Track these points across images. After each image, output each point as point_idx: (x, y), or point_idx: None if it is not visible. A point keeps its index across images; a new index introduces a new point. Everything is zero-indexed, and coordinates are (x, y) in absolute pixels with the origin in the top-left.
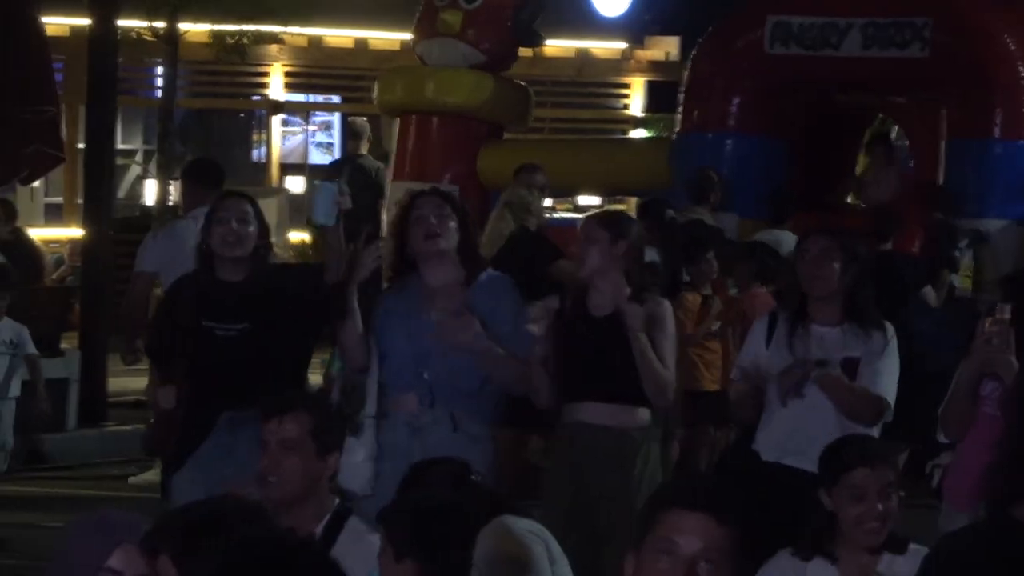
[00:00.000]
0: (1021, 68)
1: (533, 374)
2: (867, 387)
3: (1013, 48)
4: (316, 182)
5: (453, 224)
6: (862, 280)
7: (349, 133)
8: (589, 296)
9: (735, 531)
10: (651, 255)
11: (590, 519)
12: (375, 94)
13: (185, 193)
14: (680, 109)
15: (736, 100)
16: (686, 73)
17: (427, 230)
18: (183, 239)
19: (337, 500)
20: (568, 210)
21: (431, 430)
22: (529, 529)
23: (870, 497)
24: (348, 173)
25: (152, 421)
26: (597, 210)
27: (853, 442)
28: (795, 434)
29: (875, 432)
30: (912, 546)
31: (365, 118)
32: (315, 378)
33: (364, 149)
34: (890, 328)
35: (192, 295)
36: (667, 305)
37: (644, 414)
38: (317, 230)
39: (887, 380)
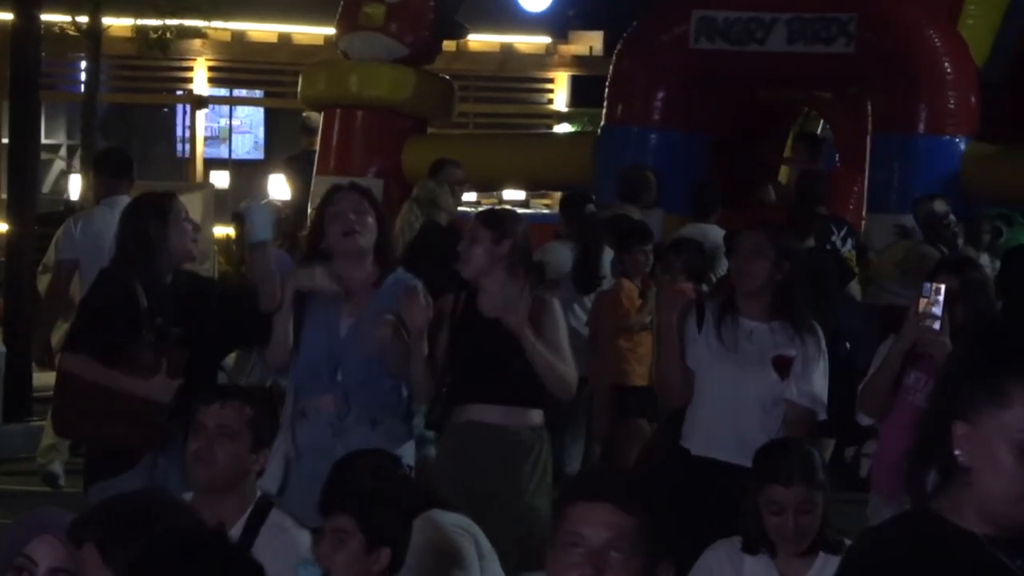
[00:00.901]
0: (945, 63)
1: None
2: (802, 391)
3: (938, 43)
4: (243, 204)
5: (371, 221)
6: (793, 277)
7: (302, 128)
8: (478, 297)
9: (643, 519)
10: (564, 250)
11: (478, 519)
12: (299, 88)
13: (96, 184)
14: (605, 103)
15: (661, 95)
16: (611, 67)
17: (345, 227)
18: (102, 228)
19: (260, 493)
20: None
21: (353, 429)
22: (458, 524)
23: (786, 513)
24: (302, 167)
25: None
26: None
27: (775, 454)
28: (721, 429)
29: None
30: (847, 544)
31: (320, 113)
32: None
33: (317, 144)
34: (819, 329)
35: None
36: (554, 301)
37: (536, 415)
38: (249, 248)
39: (821, 385)
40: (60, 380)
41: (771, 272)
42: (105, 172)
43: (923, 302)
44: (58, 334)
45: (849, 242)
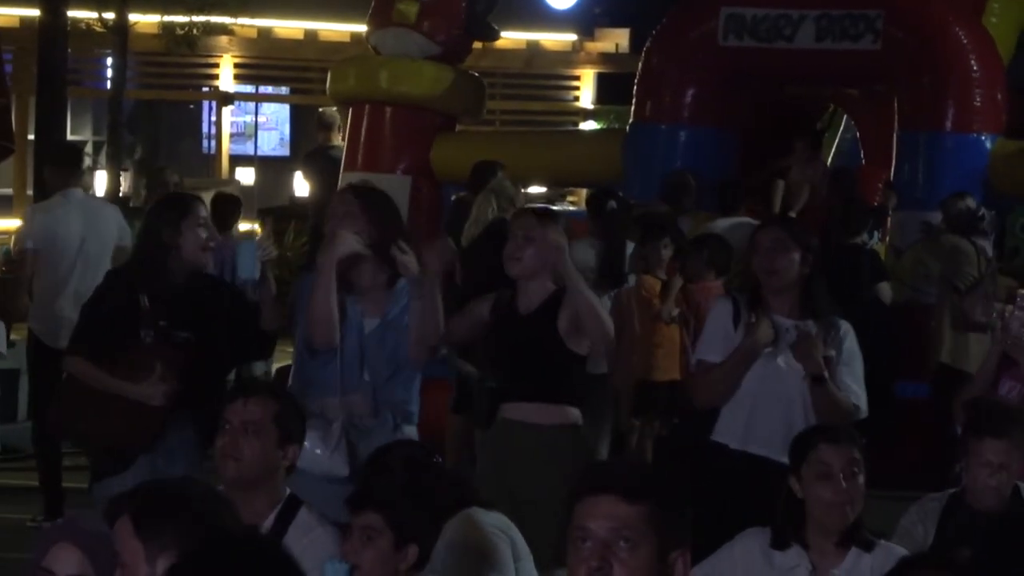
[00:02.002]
0: (972, 60)
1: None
2: (843, 392)
3: (965, 40)
4: (234, 241)
5: (362, 224)
6: (815, 273)
7: (319, 124)
8: (517, 294)
9: (649, 507)
10: (585, 248)
11: (518, 517)
12: (328, 84)
13: (49, 176)
14: (634, 100)
15: (690, 92)
16: (640, 64)
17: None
18: (61, 217)
19: (288, 491)
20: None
21: (377, 432)
22: (496, 525)
23: (835, 474)
24: (319, 164)
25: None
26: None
27: (818, 426)
28: (762, 424)
29: None
30: (880, 543)
31: (335, 108)
32: None
33: (335, 140)
34: (846, 324)
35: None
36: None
37: (574, 413)
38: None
39: (860, 384)
40: (64, 382)
41: (799, 267)
42: (58, 164)
43: (1012, 310)
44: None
45: (876, 235)
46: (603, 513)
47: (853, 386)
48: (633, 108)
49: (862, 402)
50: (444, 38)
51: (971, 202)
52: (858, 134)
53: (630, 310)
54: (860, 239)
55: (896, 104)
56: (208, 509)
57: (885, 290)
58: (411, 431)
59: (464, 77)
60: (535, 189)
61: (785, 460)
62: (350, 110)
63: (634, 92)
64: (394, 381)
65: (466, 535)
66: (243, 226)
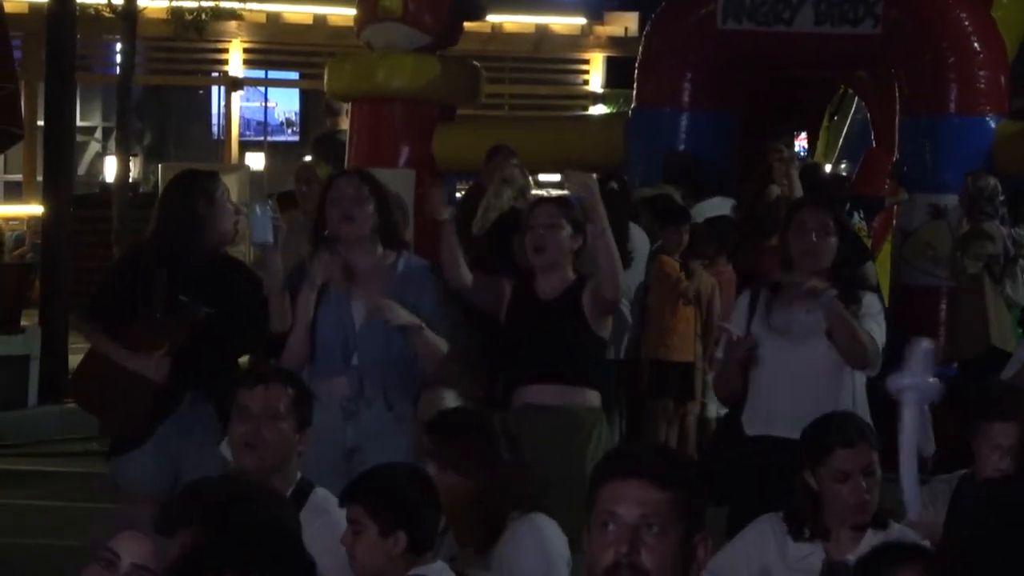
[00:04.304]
0: (974, 42)
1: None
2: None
3: (966, 22)
4: (245, 205)
5: (370, 208)
6: (849, 253)
7: (326, 109)
8: (536, 279)
9: (678, 492)
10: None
11: (540, 498)
12: (325, 81)
13: None
14: (635, 85)
15: (689, 76)
16: (640, 49)
17: (342, 212)
18: None
19: (300, 475)
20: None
21: (365, 413)
22: (561, 553)
23: (854, 477)
24: (328, 149)
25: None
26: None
27: (833, 422)
28: (779, 406)
29: (859, 391)
30: (893, 524)
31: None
32: None
33: (343, 124)
34: (877, 298)
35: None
36: None
37: (594, 396)
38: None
39: (879, 333)
40: (87, 355)
41: (837, 250)
42: None
43: None
44: None
45: (857, 214)
46: (632, 498)
47: (876, 328)
48: (635, 92)
49: (879, 342)
50: (432, 26)
51: (991, 180)
52: (868, 116)
53: (653, 289)
54: None
55: (897, 88)
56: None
57: (871, 270)
58: (409, 410)
59: (458, 64)
60: (544, 176)
61: None
62: (351, 105)
63: (635, 76)
64: (388, 364)
65: (531, 552)
66: None
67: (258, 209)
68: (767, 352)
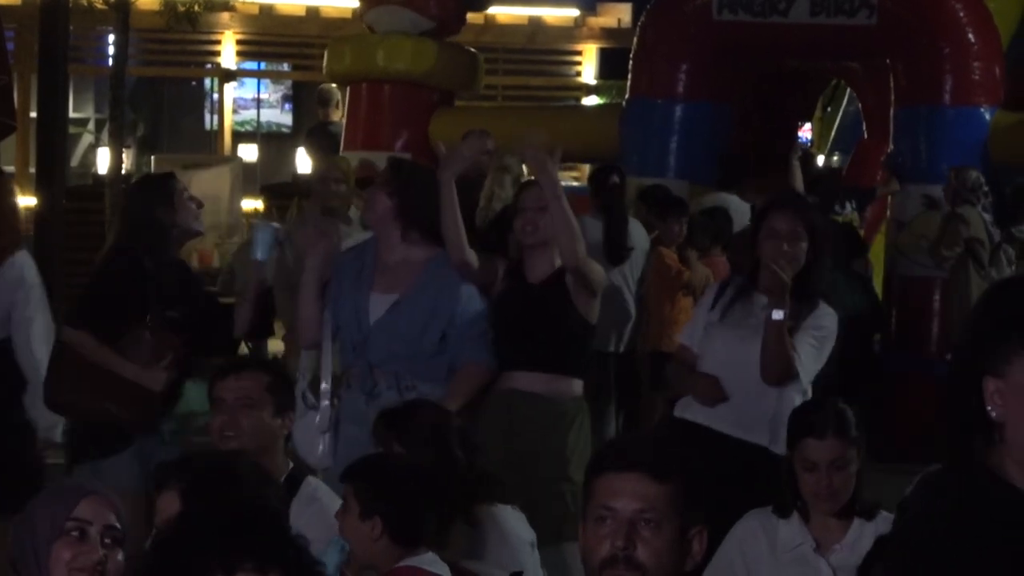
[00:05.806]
0: (969, 33)
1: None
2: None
3: (961, 13)
4: (254, 221)
5: (383, 195)
6: (819, 255)
7: (318, 100)
8: (524, 264)
9: (674, 486)
10: (593, 222)
11: (521, 486)
12: (324, 63)
13: None
14: (630, 76)
15: (684, 67)
16: (635, 39)
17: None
18: None
19: (291, 464)
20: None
21: (385, 396)
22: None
23: (819, 468)
24: (319, 140)
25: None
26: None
27: (809, 409)
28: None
29: (797, 400)
30: (883, 513)
31: (334, 84)
32: None
33: (335, 116)
34: (832, 314)
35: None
36: None
37: (577, 385)
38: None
39: (813, 360)
40: (59, 352)
41: (805, 255)
42: None
43: None
44: None
45: (850, 204)
46: (628, 491)
47: (804, 351)
48: (629, 83)
49: (804, 371)
50: (436, 12)
51: (975, 173)
52: (860, 107)
53: (652, 279)
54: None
55: (892, 79)
56: (255, 486)
57: (859, 266)
58: (433, 393)
59: (459, 52)
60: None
61: (744, 437)
62: (348, 88)
63: (630, 67)
64: (403, 359)
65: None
66: (247, 203)
67: (263, 229)
68: (711, 343)
